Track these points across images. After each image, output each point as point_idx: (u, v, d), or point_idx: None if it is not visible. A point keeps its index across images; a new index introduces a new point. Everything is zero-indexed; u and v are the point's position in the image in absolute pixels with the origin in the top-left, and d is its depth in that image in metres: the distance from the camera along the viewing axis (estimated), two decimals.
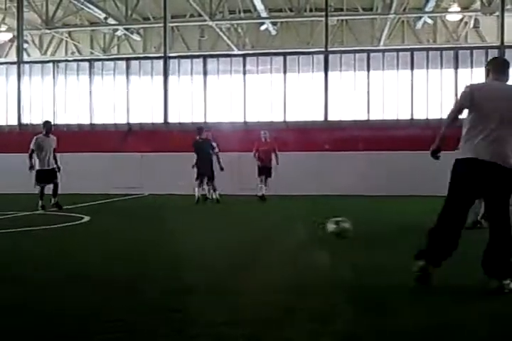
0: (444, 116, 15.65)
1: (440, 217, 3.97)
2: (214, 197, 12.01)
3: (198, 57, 17.07)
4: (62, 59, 19.43)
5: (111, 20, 19.31)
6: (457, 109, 4.01)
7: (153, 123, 16.32)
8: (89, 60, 17.66)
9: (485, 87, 4.07)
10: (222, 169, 11.95)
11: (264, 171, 12.81)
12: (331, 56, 15.72)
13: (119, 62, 17.33)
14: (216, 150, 12.03)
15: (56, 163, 10.60)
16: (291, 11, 19.45)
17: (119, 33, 20.94)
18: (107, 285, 4.07)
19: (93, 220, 8.66)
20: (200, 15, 18.39)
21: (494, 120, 3.79)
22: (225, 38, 20.22)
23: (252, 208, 11.55)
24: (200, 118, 16.24)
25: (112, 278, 4.31)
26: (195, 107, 16.38)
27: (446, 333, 3.01)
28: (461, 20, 20.49)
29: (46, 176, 10.43)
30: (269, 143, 12.92)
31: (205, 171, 11.86)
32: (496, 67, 4.07)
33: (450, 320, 3.19)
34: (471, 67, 15.38)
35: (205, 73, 16.42)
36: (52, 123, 11.51)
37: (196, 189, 11.91)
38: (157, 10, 18.47)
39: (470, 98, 3.88)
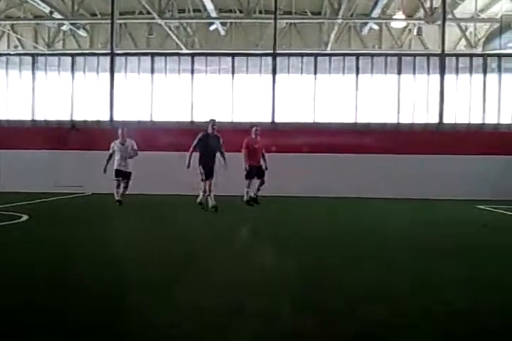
0: (387, 120, 15.85)
1: None
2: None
3: (145, 54, 16.85)
4: (4, 52, 18.82)
5: (56, 15, 18.82)
6: None
7: (98, 121, 16.03)
8: (32, 55, 17.12)
9: None
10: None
11: (255, 171, 11.14)
12: (278, 58, 15.87)
13: (64, 57, 16.89)
14: (135, 147, 11.62)
15: None
16: (240, 12, 19.51)
17: (64, 27, 20.41)
18: (45, 286, 3.99)
19: (31, 219, 8.43)
20: (148, 12, 18.19)
21: None
22: (174, 36, 20.07)
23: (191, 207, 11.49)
24: (147, 117, 16.09)
25: (49, 278, 4.23)
26: (142, 105, 16.21)
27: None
28: (406, 27, 21.17)
29: None
30: (261, 141, 11.37)
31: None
32: None
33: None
34: (414, 73, 15.88)
35: (152, 71, 16.27)
36: None
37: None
38: (104, 6, 18.14)
39: None
